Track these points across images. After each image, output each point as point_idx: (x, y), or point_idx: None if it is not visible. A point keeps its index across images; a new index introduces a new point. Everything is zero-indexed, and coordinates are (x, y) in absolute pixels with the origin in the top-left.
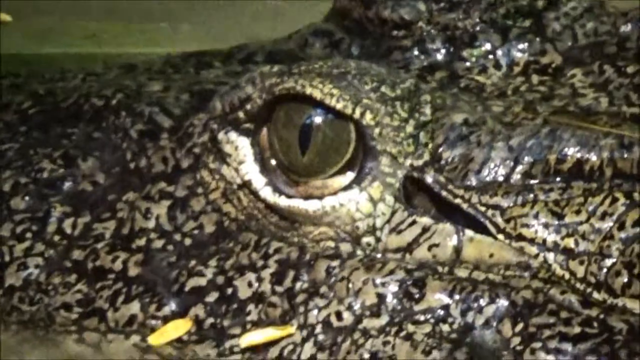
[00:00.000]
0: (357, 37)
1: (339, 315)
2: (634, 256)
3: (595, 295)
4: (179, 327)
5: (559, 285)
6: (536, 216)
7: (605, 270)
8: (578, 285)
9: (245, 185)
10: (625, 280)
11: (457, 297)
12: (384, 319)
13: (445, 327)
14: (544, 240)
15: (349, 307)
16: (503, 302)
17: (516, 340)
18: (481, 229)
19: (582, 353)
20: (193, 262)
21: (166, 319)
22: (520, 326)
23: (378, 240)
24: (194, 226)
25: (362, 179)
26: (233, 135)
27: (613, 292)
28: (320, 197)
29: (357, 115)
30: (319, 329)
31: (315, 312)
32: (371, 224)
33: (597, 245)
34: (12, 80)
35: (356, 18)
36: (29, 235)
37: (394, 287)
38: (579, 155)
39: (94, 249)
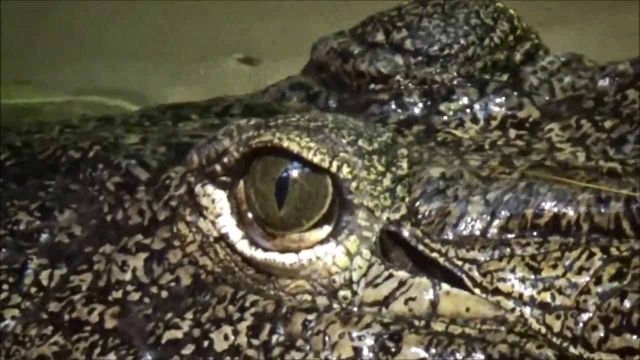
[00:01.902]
0: (334, 90)
1: None
2: (611, 311)
3: (572, 350)
4: None
5: (535, 340)
6: (513, 270)
7: (581, 324)
8: (554, 339)
9: (222, 238)
10: (602, 335)
11: (433, 351)
12: None
13: None
14: (521, 295)
15: None
16: (479, 356)
17: None
18: (458, 282)
19: None
20: (169, 315)
21: None
22: None
23: (355, 293)
24: (170, 279)
25: (339, 232)
26: (210, 188)
27: (589, 347)
28: (297, 251)
29: (334, 168)
30: None
31: None
32: (348, 277)
33: (573, 300)
34: None
35: (333, 71)
36: (5, 286)
37: (370, 341)
38: (555, 209)
39: (71, 300)
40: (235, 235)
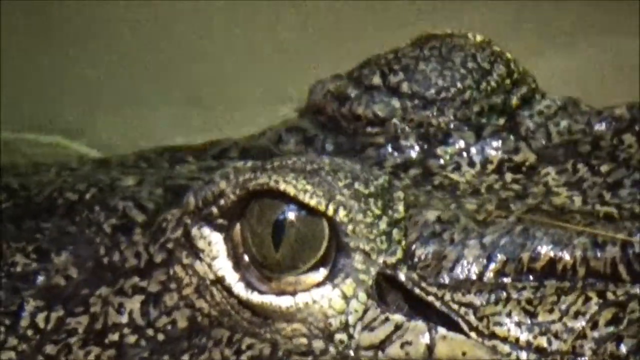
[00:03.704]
0: (330, 133)
1: None
2: (607, 356)
3: None
4: None
5: None
6: (509, 315)
7: None
8: None
9: (218, 281)
10: None
11: None
12: None
13: None
14: (517, 339)
15: None
16: None
17: None
18: (454, 326)
19: None
20: (166, 358)
21: None
22: None
23: (351, 337)
24: (167, 321)
25: (335, 275)
26: (206, 230)
27: None
28: (293, 294)
29: (330, 211)
30: None
31: None
32: (344, 321)
33: (569, 345)
34: None
35: (330, 114)
36: (1, 329)
37: None
38: (552, 254)
39: (67, 343)
40: (232, 278)
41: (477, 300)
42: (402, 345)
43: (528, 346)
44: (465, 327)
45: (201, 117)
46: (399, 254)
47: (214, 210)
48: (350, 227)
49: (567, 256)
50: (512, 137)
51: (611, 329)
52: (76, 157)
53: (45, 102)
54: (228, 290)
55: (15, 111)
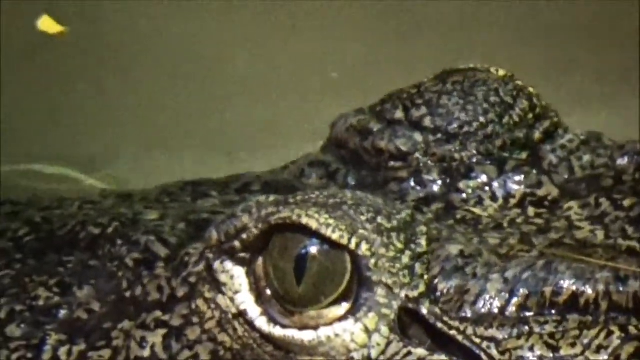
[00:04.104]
0: (353, 167)
1: None
2: None
3: None
4: None
5: None
6: (531, 349)
7: None
8: None
9: (241, 314)
10: None
11: None
12: None
13: None
14: None
15: None
16: None
17: None
18: None
19: None
20: None
21: None
22: None
23: None
24: (189, 355)
25: (358, 309)
26: (229, 264)
27: None
28: (316, 328)
29: (353, 245)
30: None
31: None
32: (366, 354)
33: None
34: (10, 207)
35: (352, 148)
36: None
37: None
38: (574, 288)
39: None
40: (254, 312)
41: (500, 335)
42: None
43: None
44: None
45: (223, 161)
46: (422, 288)
47: (237, 244)
48: (372, 261)
49: (589, 290)
50: (534, 172)
51: None
52: (88, 189)
53: (55, 134)
54: (250, 324)
55: (22, 143)
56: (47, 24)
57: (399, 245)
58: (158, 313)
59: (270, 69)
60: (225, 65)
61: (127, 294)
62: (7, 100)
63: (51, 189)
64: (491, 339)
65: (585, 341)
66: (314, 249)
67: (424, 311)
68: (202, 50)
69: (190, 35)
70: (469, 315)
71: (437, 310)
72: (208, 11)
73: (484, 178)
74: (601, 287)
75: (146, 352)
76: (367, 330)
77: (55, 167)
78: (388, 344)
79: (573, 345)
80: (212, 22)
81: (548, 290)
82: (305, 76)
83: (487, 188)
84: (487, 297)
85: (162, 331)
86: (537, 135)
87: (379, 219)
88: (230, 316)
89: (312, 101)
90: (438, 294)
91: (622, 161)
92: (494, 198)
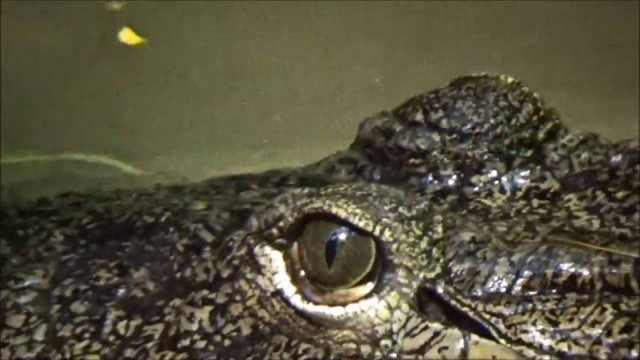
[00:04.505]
0: (378, 163)
1: None
2: (620, 359)
3: None
4: None
5: None
6: (534, 323)
7: None
8: None
9: (278, 293)
10: None
11: None
12: None
13: None
14: (541, 345)
15: None
16: None
17: None
18: (485, 334)
19: None
20: None
21: None
22: None
23: (394, 343)
24: (232, 329)
25: (381, 288)
26: (267, 249)
27: None
28: (344, 305)
29: (377, 232)
30: None
31: None
32: (388, 328)
33: (587, 350)
34: (73, 198)
35: (377, 147)
36: (87, 335)
37: None
38: (572, 270)
39: (144, 348)
40: (290, 290)
41: (506, 311)
42: (439, 350)
43: (550, 351)
44: (495, 334)
45: (264, 158)
46: (438, 270)
47: (274, 231)
48: (394, 246)
49: (586, 272)
50: (538, 168)
51: (624, 336)
52: (125, 177)
53: (96, 126)
54: (286, 301)
55: (65, 132)
56: (128, 36)
57: (418, 232)
58: (205, 292)
59: (311, 80)
60: (272, 75)
61: (178, 275)
62: (57, 96)
63: (87, 176)
64: (499, 315)
65: (582, 317)
66: (342, 236)
67: (440, 290)
68: (247, 61)
69: (237, 48)
70: (479, 294)
71: (451, 289)
72: (254, 28)
73: (493, 173)
74: (596, 269)
75: (194, 327)
76: (389, 307)
77: (96, 156)
78: (408, 319)
79: (571, 320)
80: (259, 37)
81: (549, 272)
82: (346, 82)
83: (496, 182)
84: (496, 278)
85: (208, 308)
86: (540, 135)
87: (400, 209)
88: (268, 294)
89: (348, 105)
90: (452, 275)
91: (616, 158)
92: (502, 191)
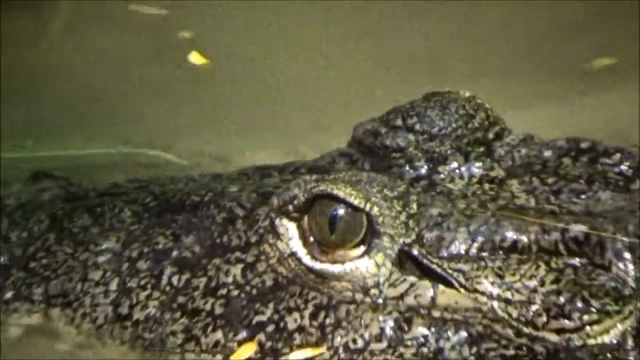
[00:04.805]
0: (368, 157)
1: (354, 341)
2: (551, 304)
3: (524, 329)
4: (248, 349)
5: (500, 323)
6: (486, 277)
7: (531, 313)
8: (513, 323)
9: (293, 254)
10: (545, 320)
11: (433, 329)
12: (384, 344)
13: (424, 350)
14: (491, 293)
15: (361, 336)
16: (463, 333)
17: (472, 358)
18: (449, 285)
19: None
20: (257, 305)
21: (239, 343)
22: (474, 349)
23: (380, 291)
24: (258, 281)
25: (370, 251)
26: (285, 221)
27: (536, 328)
28: (342, 263)
29: (367, 208)
30: (340, 350)
31: (338, 339)
32: (376, 281)
33: (526, 297)
34: (138, 183)
35: (367, 145)
36: (149, 286)
37: (391, 323)
38: (514, 237)
39: (192, 296)
40: (302, 252)
41: (465, 268)
42: (415, 297)
43: (498, 298)
44: (456, 285)
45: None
46: (413, 236)
47: (290, 207)
48: (380, 219)
49: (524, 238)
50: (488, 160)
51: (554, 286)
52: (166, 165)
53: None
54: (299, 260)
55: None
56: (196, 57)
57: (398, 208)
58: (238, 253)
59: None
60: (300, 87)
61: (217, 241)
62: (122, 90)
63: (149, 164)
64: (459, 271)
65: (522, 272)
66: (341, 211)
67: (415, 252)
68: (283, 74)
69: (280, 67)
70: (445, 255)
71: (423, 251)
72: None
73: (455, 164)
74: (532, 236)
75: (230, 279)
76: (377, 265)
77: (155, 150)
78: (391, 273)
79: (513, 274)
80: (298, 56)
81: (497, 238)
82: (355, 96)
83: (457, 171)
84: (457, 243)
85: (240, 265)
86: (490, 135)
87: (385, 191)
88: (286, 255)
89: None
90: (424, 240)
91: (547, 153)
92: (461, 177)
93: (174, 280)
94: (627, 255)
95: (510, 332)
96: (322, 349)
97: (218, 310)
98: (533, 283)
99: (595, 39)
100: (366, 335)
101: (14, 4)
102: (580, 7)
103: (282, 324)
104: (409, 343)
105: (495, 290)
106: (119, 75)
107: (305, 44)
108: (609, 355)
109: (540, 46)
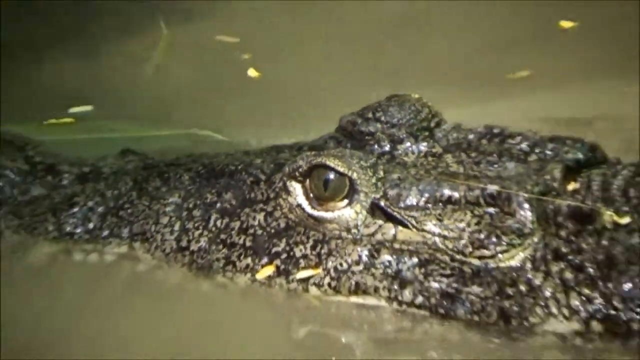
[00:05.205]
0: (349, 139)
1: (340, 265)
2: (474, 238)
3: (456, 256)
4: (268, 270)
5: (440, 252)
6: (430, 221)
7: (461, 245)
8: (449, 252)
9: (299, 206)
10: (470, 249)
11: (394, 257)
12: (361, 266)
13: (388, 270)
14: (434, 232)
15: (345, 261)
16: (415, 259)
17: (420, 276)
18: (406, 226)
19: (450, 282)
20: (275, 240)
21: (262, 266)
22: (422, 270)
23: (358, 231)
24: (275, 224)
25: (352, 203)
26: (293, 183)
27: (464, 255)
28: (333, 211)
29: (350, 174)
30: (332, 271)
31: (330, 263)
32: (356, 223)
33: (457, 234)
34: (191, 157)
35: (349, 130)
36: (200, 227)
37: (366, 252)
38: (449, 193)
39: (230, 234)
40: (305, 204)
41: (417, 214)
42: (382, 234)
43: (439, 235)
44: (410, 226)
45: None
46: (381, 193)
47: (297, 174)
48: (358, 181)
49: (456, 195)
50: (431, 141)
51: (476, 227)
52: (219, 145)
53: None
54: (303, 210)
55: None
56: (252, 72)
57: (370, 174)
58: (261, 205)
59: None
60: (313, 85)
61: (247, 197)
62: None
63: (202, 141)
64: (412, 217)
65: (454, 217)
66: (332, 176)
67: (382, 204)
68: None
69: (312, 78)
70: (402, 206)
71: (388, 203)
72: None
73: (408, 144)
74: (462, 193)
75: (256, 222)
76: (356, 213)
77: (205, 131)
78: (365, 218)
79: (449, 219)
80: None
81: (438, 194)
82: (353, 94)
83: (410, 148)
84: (410, 197)
85: (262, 213)
86: (432, 125)
87: (362, 162)
88: (294, 206)
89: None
90: (388, 196)
91: (471, 136)
92: (413, 153)
93: (218, 223)
94: (526, 205)
95: (447, 258)
96: (319, 270)
97: (248, 243)
98: (462, 225)
99: (516, 55)
100: (349, 260)
101: (126, 32)
102: (507, 29)
103: (291, 253)
104: (378, 266)
105: (437, 230)
106: (201, 82)
107: (324, 68)
108: (514, 274)
109: (473, 60)
